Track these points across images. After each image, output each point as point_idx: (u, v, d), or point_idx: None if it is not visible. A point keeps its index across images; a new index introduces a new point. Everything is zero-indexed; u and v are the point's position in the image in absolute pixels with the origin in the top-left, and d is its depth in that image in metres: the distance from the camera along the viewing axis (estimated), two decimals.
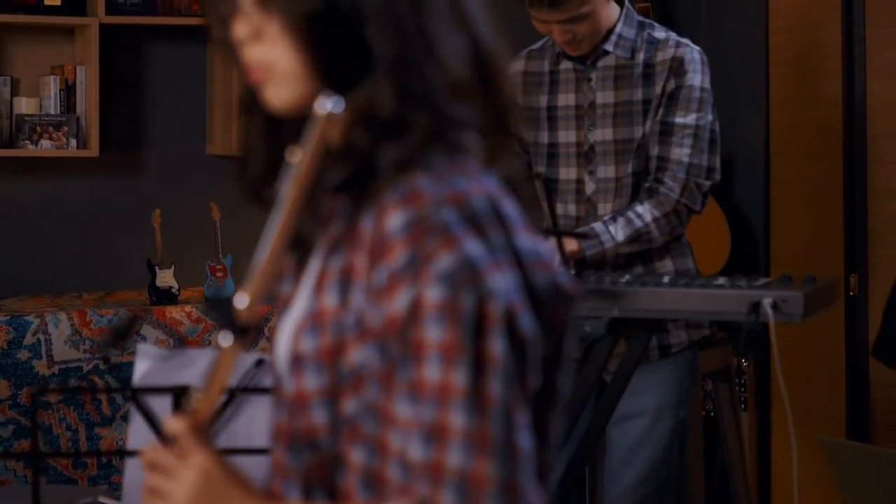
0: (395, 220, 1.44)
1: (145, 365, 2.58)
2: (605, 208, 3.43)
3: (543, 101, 3.50)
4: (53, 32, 4.95)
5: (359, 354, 1.46)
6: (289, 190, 1.48)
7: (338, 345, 1.48)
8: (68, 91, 4.85)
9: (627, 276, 3.23)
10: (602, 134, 3.43)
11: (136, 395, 2.57)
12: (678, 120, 3.39)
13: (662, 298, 3.12)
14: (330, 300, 1.50)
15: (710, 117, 3.43)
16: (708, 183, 3.43)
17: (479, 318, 1.40)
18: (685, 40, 3.46)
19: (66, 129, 4.80)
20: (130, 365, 3.11)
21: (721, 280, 3.22)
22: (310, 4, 1.49)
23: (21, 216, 4.92)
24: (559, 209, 3.49)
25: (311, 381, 1.50)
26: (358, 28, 1.49)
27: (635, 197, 3.43)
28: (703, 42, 6.05)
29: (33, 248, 4.95)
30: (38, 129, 4.79)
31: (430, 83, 1.50)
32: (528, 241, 1.48)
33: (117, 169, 5.03)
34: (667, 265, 3.46)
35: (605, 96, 3.43)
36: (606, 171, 3.43)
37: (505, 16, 1.51)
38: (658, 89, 3.40)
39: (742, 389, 4.98)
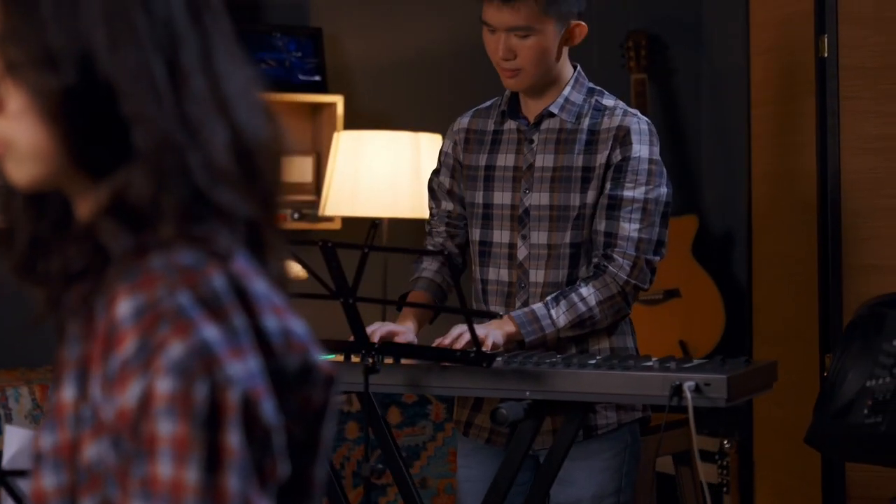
0: (125, 306, 1.36)
1: (14, 447, 2.51)
2: (536, 275, 3.32)
3: (483, 159, 3.41)
4: None
5: (94, 450, 1.38)
6: None
7: (76, 440, 1.40)
8: None
9: (556, 357, 3.13)
10: (538, 198, 3.33)
11: (5, 479, 2.51)
12: (626, 193, 3.27)
13: (582, 381, 3.03)
14: (68, 393, 1.42)
15: (662, 189, 3.30)
16: (657, 258, 3.30)
17: (214, 408, 1.32)
18: (633, 110, 3.35)
19: None
20: None
21: (651, 362, 3.12)
22: (62, 79, 1.40)
23: None
24: (491, 273, 3.39)
25: (50, 480, 1.42)
26: (115, 108, 1.41)
27: (574, 268, 3.31)
28: (705, 115, 5.99)
29: (5, 320, 4.92)
30: None
31: (193, 171, 1.41)
32: (277, 321, 1.39)
33: None
34: (604, 344, 3.34)
35: (544, 159, 3.33)
36: (539, 236, 3.32)
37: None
38: (601, 158, 3.29)
39: (724, 472, 4.84)
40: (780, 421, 4.55)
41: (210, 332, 1.34)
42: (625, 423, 3.33)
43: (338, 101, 5.26)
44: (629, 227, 3.26)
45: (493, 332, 3.18)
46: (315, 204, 5.25)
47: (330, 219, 5.23)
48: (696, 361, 3.15)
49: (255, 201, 1.46)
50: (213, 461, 1.31)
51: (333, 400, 1.45)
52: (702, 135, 5.97)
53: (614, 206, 3.27)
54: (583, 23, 3.30)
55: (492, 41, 3.29)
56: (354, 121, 5.35)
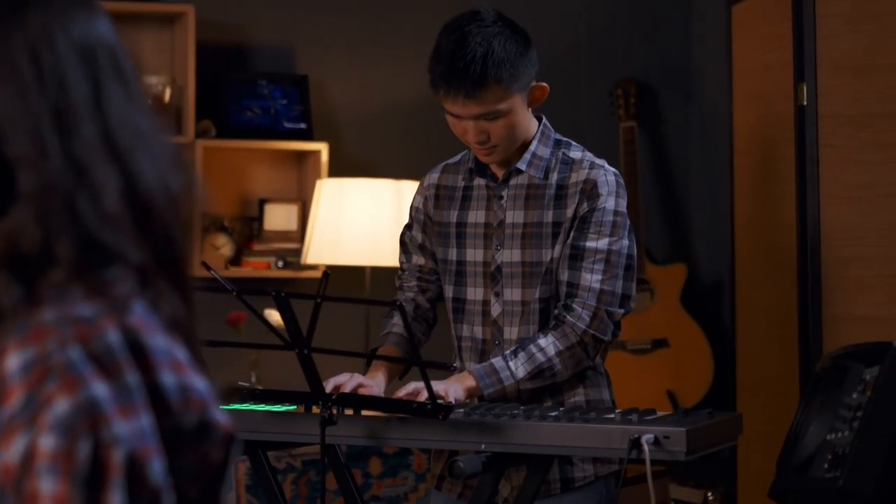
0: (14, 360, 1.34)
1: None
2: (510, 332, 3.29)
3: (454, 216, 3.39)
4: None
5: None
6: None
7: None
8: None
9: (518, 409, 3.09)
10: (510, 255, 3.30)
11: None
12: (589, 244, 3.24)
13: (540, 433, 2.98)
14: None
15: (625, 242, 3.27)
16: (621, 311, 3.26)
17: (97, 468, 1.30)
18: (601, 161, 3.32)
19: None
20: None
21: (612, 414, 3.08)
22: None
23: None
24: (465, 330, 3.36)
25: None
26: (0, 152, 1.40)
27: (544, 323, 3.28)
28: (694, 163, 5.96)
29: None
30: None
31: (82, 216, 1.40)
32: (175, 377, 1.37)
33: None
34: (579, 396, 3.30)
35: (514, 216, 3.30)
36: (513, 293, 3.29)
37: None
38: (569, 212, 3.26)
39: None
40: (763, 471, 4.49)
41: (99, 388, 1.31)
42: (601, 476, 3.29)
43: (322, 148, 5.25)
44: (591, 278, 3.22)
45: (453, 388, 3.14)
46: (300, 252, 5.22)
47: (314, 267, 5.20)
48: (658, 414, 3.10)
49: (148, 249, 1.43)
50: None
51: (232, 458, 1.42)
52: (691, 182, 5.94)
53: (577, 256, 3.24)
54: (543, 84, 3.27)
55: (459, 126, 3.24)
56: (339, 168, 5.34)
